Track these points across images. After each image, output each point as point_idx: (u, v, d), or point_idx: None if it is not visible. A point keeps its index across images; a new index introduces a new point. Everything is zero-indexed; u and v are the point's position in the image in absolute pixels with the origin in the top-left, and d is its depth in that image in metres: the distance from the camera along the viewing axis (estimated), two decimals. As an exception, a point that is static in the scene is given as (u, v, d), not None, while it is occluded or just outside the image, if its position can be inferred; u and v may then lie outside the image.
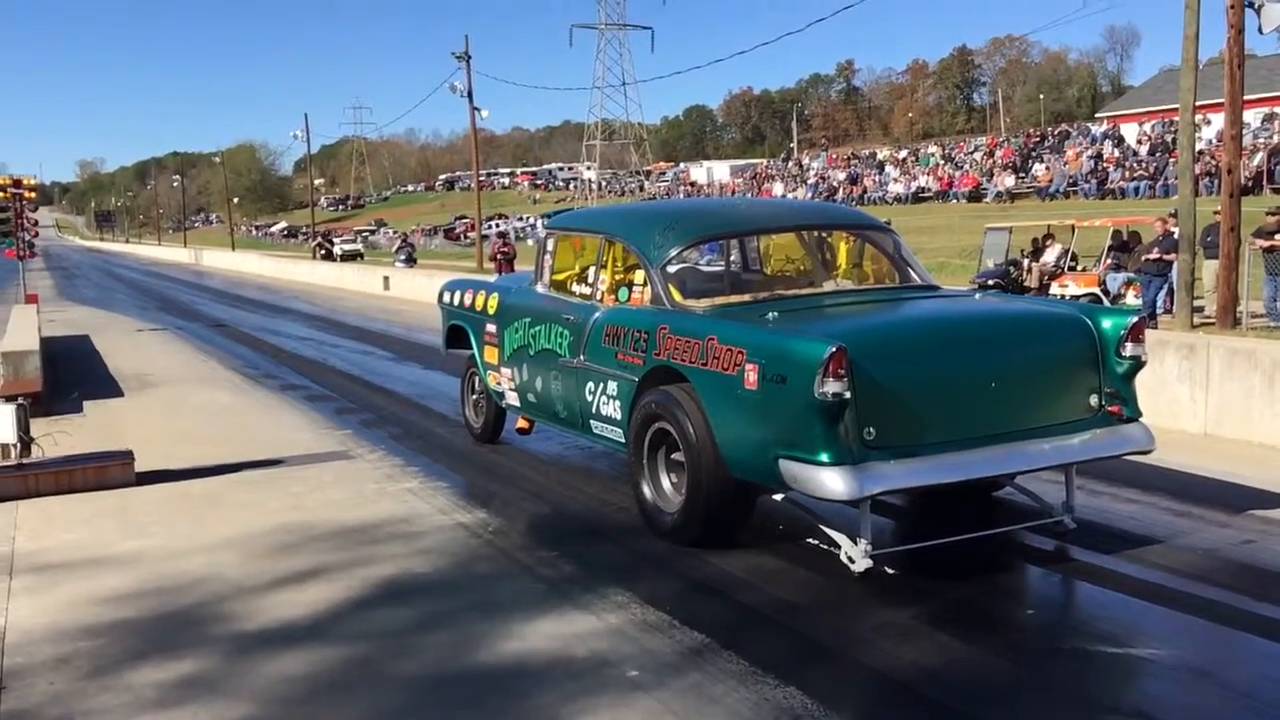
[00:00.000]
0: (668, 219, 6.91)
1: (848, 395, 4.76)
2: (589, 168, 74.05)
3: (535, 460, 8.09)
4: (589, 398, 6.54)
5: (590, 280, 6.93)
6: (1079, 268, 17.65)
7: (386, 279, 30.11)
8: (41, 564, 5.67)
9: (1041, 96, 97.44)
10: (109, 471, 7.45)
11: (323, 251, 55.54)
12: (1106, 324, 5.58)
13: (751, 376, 5.10)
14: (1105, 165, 42.49)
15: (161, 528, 6.38)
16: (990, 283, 17.77)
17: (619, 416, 6.24)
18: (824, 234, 7.20)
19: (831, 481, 4.76)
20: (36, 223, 22.23)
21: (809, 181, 58.43)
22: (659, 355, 5.81)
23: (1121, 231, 17.76)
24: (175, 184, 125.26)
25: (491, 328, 7.95)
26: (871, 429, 4.91)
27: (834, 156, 68.01)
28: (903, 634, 4.45)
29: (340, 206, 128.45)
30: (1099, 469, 6.50)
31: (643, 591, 5.01)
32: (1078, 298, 16.27)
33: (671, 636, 4.48)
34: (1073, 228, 18.63)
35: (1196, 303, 14.00)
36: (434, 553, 5.73)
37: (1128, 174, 40.32)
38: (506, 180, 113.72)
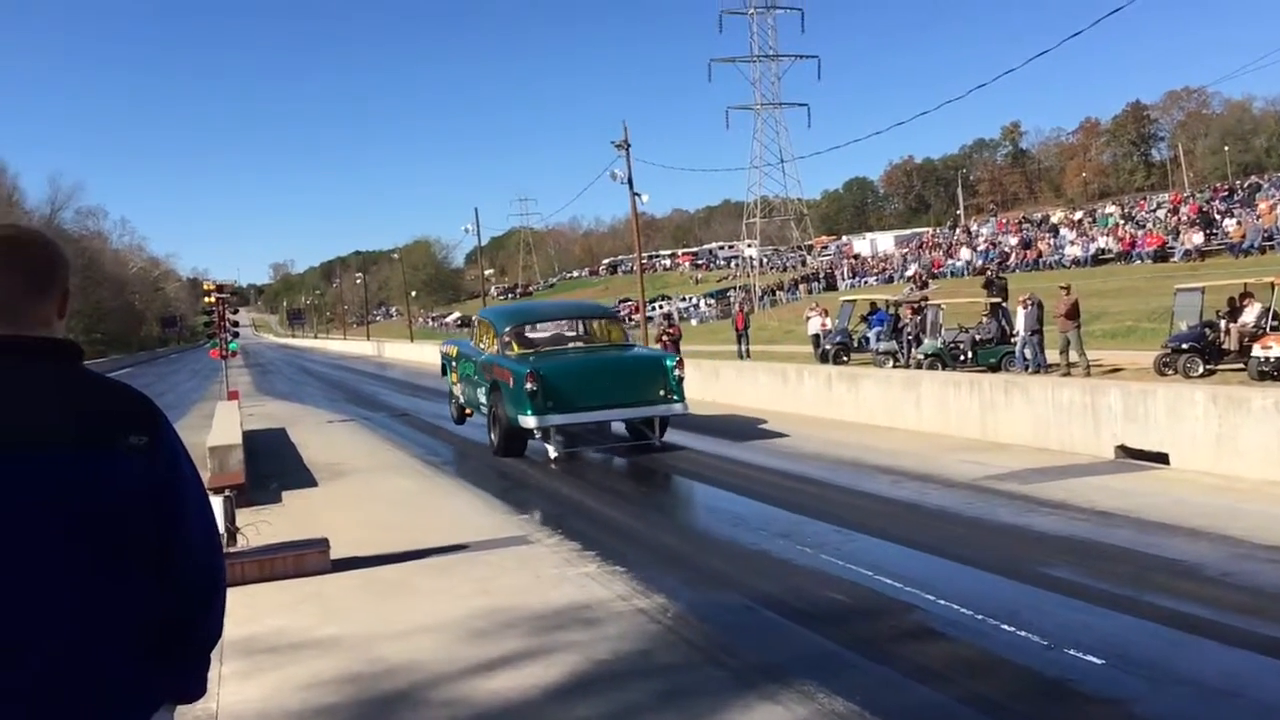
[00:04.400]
0: (507, 314, 16.00)
1: (536, 390, 12.16)
2: (750, 245, 74.12)
3: (713, 544, 8.05)
4: (478, 395, 14.28)
5: (485, 340, 14.61)
6: (1283, 327, 16.48)
7: (557, 364, 30.79)
8: (249, 649, 5.95)
9: (1226, 148, 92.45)
10: (307, 559, 7.81)
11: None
12: (669, 362, 13.19)
13: (511, 382, 12.53)
14: (1303, 216, 39.77)
15: (358, 613, 6.62)
16: (1185, 346, 16.81)
17: (485, 404, 13.87)
18: (585, 318, 15.80)
19: (529, 422, 12.29)
20: (236, 324, 23.81)
21: (978, 248, 56.87)
22: (491, 375, 13.45)
23: (1329, 286, 16.52)
24: (358, 281, 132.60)
25: (454, 364, 16.01)
26: (550, 402, 12.30)
27: (1003, 221, 66.16)
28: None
29: (509, 295, 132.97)
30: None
31: (832, 681, 4.85)
32: (1284, 359, 15.17)
33: (864, 730, 4.30)
34: (1272, 285, 17.46)
35: None
36: (616, 639, 5.72)
37: (1330, 224, 37.59)
38: (668, 261, 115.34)
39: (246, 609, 6.75)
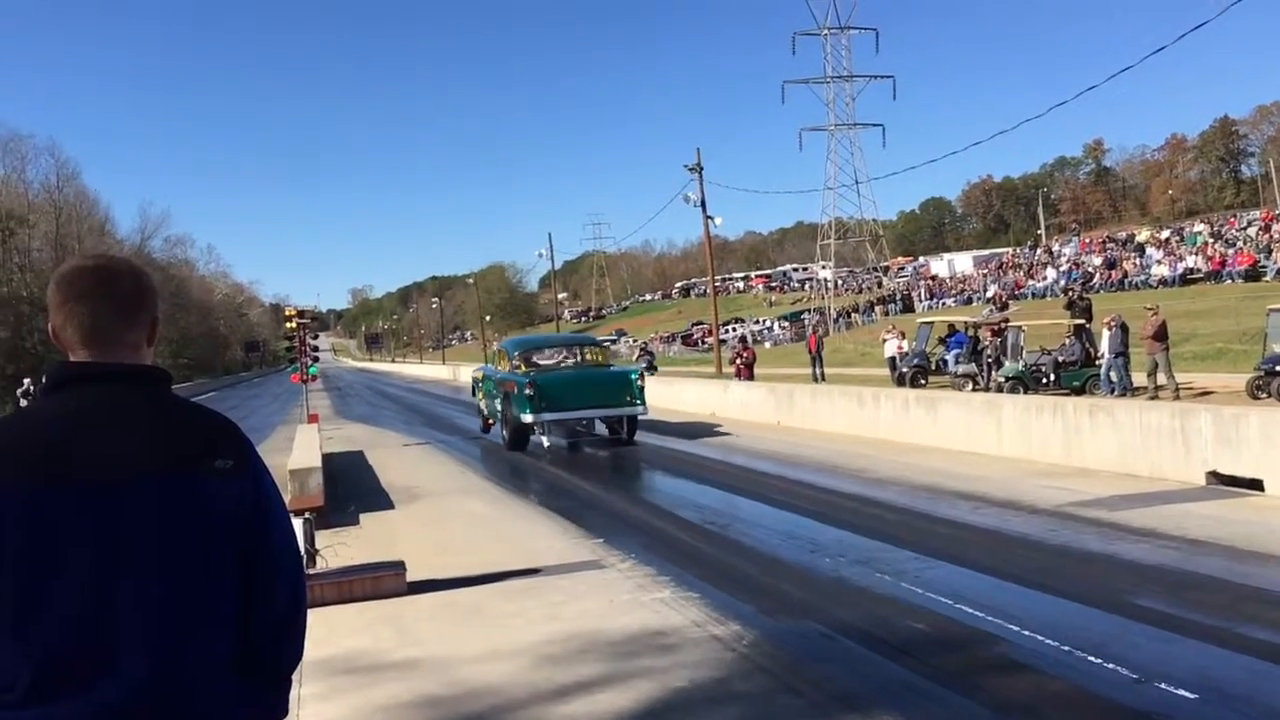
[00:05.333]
0: (518, 343, 20.07)
1: (533, 394, 16.28)
2: (824, 267, 73.63)
3: (790, 570, 7.95)
4: (495, 405, 18.41)
5: (502, 363, 18.76)
6: (1385, 348, 15.81)
7: (630, 387, 30.81)
8: (328, 671, 6.02)
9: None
10: (384, 582, 7.89)
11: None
12: (633, 375, 17.56)
13: (516, 390, 16.67)
14: (1405, 232, 38.19)
15: (433, 637, 6.67)
16: (1279, 368, 16.22)
17: (500, 411, 17.98)
18: (578, 347, 20.00)
19: (527, 418, 16.38)
20: (316, 349, 24.30)
21: (1061, 268, 55.63)
22: (504, 388, 17.70)
23: None
24: (434, 305, 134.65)
25: (480, 385, 20.24)
26: (544, 404, 16.37)
27: (1087, 241, 64.70)
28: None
29: (583, 318, 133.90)
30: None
31: (912, 713, 4.75)
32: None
33: (947, 764, 4.19)
34: (1373, 304, 16.79)
35: None
36: (692, 667, 5.67)
37: None
38: (741, 284, 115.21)
39: (325, 630, 6.83)
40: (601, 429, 18.71)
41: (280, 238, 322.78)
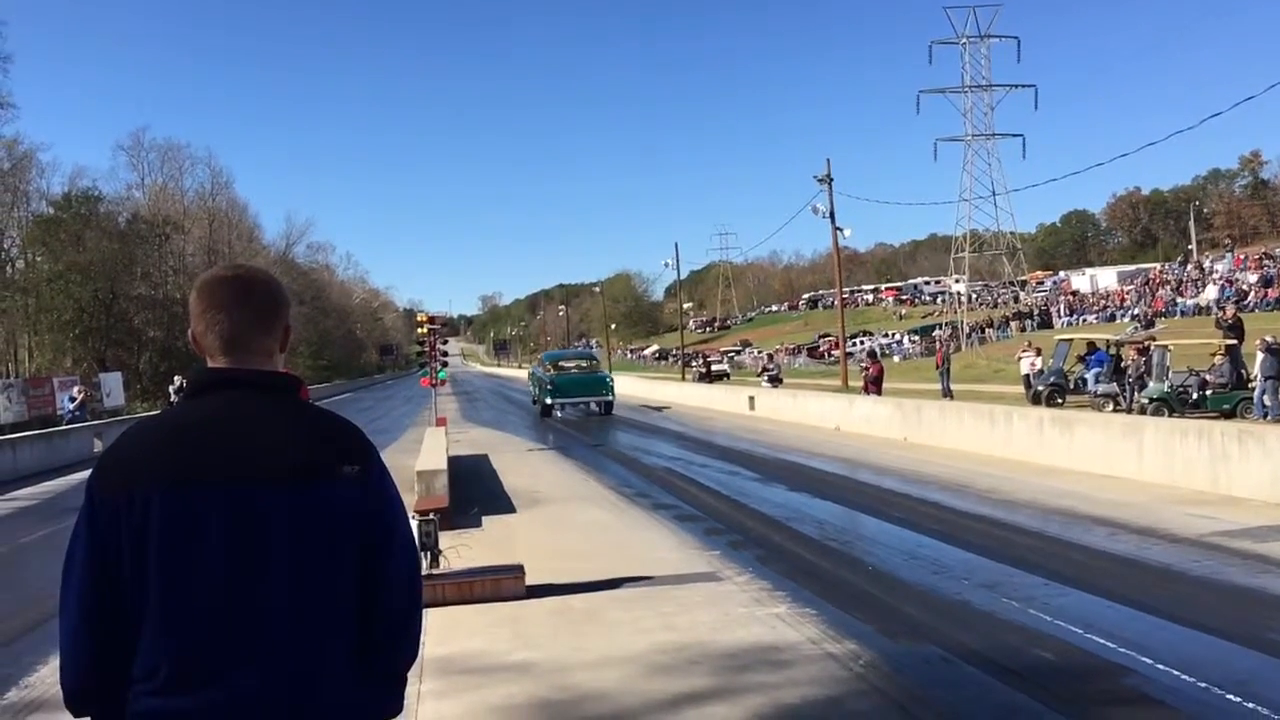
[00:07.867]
0: (550, 356, 36.79)
1: (552, 387, 31.28)
2: (958, 281, 71.64)
3: (911, 591, 7.77)
4: (536, 389, 34.13)
5: (541, 367, 34.76)
6: None
7: (752, 399, 30.69)
8: (446, 670, 6.15)
9: None
10: (503, 584, 8.04)
11: (701, 372, 57.66)
12: (607, 378, 33.40)
13: (544, 384, 32.00)
14: None
15: (548, 640, 6.75)
16: None
17: (538, 395, 33.33)
18: (585, 359, 36.15)
19: (548, 400, 31.28)
20: (446, 354, 24.91)
21: (1217, 283, 52.78)
22: (539, 382, 33.15)
23: None
24: (560, 313, 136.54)
25: (529, 377, 41.93)
26: (558, 393, 31.30)
27: (1241, 257, 61.32)
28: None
29: (707, 328, 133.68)
30: None
31: (1034, 745, 4.57)
32: None
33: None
34: None
35: None
36: (805, 684, 5.59)
37: None
38: (870, 297, 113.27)
39: (445, 629, 7.00)
40: (595, 409, 31.40)
41: (415, 245, 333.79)
